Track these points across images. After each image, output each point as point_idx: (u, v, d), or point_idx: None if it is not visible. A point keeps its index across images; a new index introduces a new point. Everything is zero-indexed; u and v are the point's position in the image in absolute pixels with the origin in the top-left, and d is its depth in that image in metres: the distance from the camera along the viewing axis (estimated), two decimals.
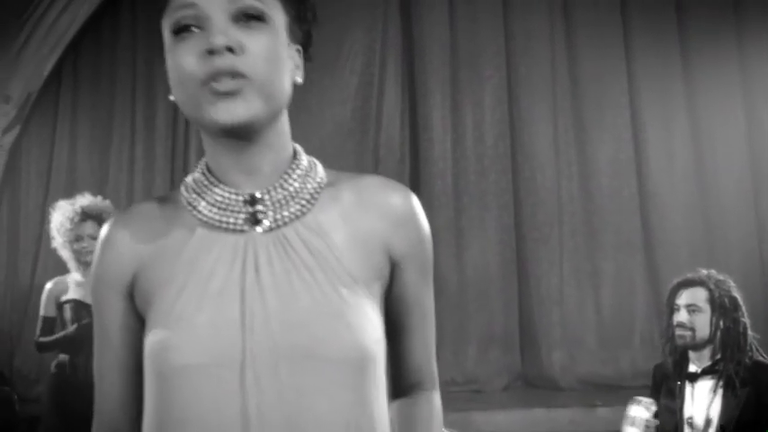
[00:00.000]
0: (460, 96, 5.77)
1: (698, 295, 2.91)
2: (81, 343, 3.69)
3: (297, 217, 1.03)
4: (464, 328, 5.59)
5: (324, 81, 5.69)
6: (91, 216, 3.69)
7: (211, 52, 0.95)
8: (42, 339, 3.72)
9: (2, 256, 5.61)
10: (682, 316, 2.90)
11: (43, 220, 5.57)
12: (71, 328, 3.66)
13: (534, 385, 5.54)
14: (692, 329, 2.87)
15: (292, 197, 1.04)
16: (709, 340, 2.87)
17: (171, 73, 1.00)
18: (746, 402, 2.77)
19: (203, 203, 1.04)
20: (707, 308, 2.89)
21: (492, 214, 5.67)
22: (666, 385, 2.97)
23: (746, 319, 2.91)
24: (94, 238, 3.65)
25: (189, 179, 1.09)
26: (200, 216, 1.04)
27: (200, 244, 1.02)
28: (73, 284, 3.75)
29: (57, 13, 5.37)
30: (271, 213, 1.03)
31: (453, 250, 5.65)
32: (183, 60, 0.97)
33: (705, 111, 5.64)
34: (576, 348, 5.53)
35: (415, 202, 1.09)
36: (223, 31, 0.96)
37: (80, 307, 3.71)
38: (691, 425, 2.83)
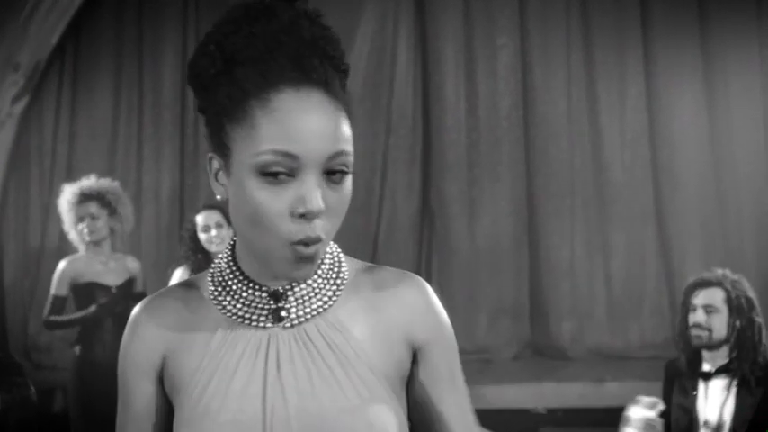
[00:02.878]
0: (474, 65, 5.69)
1: (715, 296, 2.92)
2: (98, 322, 3.73)
3: (318, 313, 1.05)
4: (475, 298, 5.61)
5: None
6: (91, 197, 3.72)
7: (303, 216, 0.95)
8: (53, 318, 3.74)
9: (10, 225, 5.63)
10: (698, 316, 2.91)
11: (51, 188, 5.60)
12: (91, 308, 3.70)
13: (543, 354, 5.59)
14: (709, 330, 2.89)
15: (315, 293, 1.06)
16: (726, 340, 2.89)
17: (245, 206, 0.97)
18: (761, 402, 2.80)
19: (228, 298, 1.06)
20: (724, 308, 2.90)
21: (504, 185, 5.65)
22: (679, 383, 2.99)
23: (761, 319, 2.92)
24: (96, 217, 3.68)
25: (215, 268, 1.09)
26: (224, 312, 1.06)
27: (225, 339, 1.04)
28: (87, 266, 3.79)
29: None
30: (293, 310, 1.04)
31: (465, 220, 5.65)
32: (272, 208, 0.95)
33: (721, 81, 5.55)
34: (586, 319, 5.56)
35: (430, 290, 1.12)
36: (318, 191, 0.95)
37: (98, 288, 3.74)
38: (705, 423, 2.87)
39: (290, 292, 1.05)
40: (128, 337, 1.10)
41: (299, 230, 0.95)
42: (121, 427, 1.12)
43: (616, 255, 5.60)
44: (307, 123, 0.94)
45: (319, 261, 1.04)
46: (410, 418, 1.11)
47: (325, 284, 1.06)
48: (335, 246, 1.12)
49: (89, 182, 3.78)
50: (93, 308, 3.69)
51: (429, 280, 5.63)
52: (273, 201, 0.95)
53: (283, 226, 0.95)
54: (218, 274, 1.09)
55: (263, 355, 1.02)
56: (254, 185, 0.95)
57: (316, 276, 1.06)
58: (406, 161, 5.72)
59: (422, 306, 1.09)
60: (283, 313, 1.04)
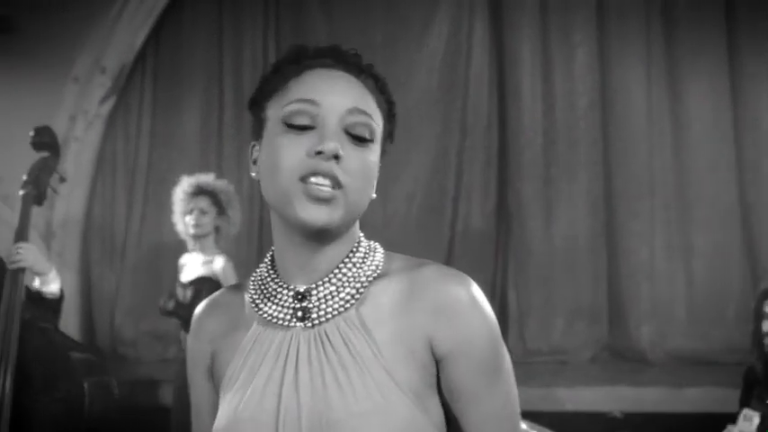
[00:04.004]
0: (550, 64, 5.62)
1: None
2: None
3: (339, 312, 1.05)
4: (551, 300, 5.55)
5: (410, 48, 5.63)
6: (205, 192, 3.80)
7: (319, 153, 0.99)
8: (165, 305, 3.86)
9: (97, 221, 5.82)
10: None
11: (134, 186, 5.78)
12: (188, 297, 3.79)
13: (621, 357, 5.49)
14: None
15: (338, 292, 1.06)
16: None
17: (269, 158, 1.04)
18: None
19: (263, 299, 1.09)
20: None
21: (581, 186, 5.56)
22: (758, 390, 2.91)
23: None
24: (205, 212, 3.76)
25: (258, 271, 1.15)
26: (257, 311, 1.09)
27: (256, 338, 1.09)
28: (188, 260, 3.90)
29: None
30: (315, 309, 1.05)
31: (542, 222, 5.59)
32: (290, 152, 1.01)
33: None
34: (666, 322, 5.43)
35: (472, 292, 1.04)
36: (336, 138, 1.01)
37: (192, 282, 3.82)
38: None
39: (313, 292, 1.06)
40: (189, 337, 1.20)
41: (310, 164, 1.00)
42: (193, 424, 1.21)
43: (698, 256, 5.46)
44: (329, 81, 1.05)
45: (346, 221, 1.04)
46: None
47: (349, 284, 1.06)
48: (375, 244, 1.12)
49: (206, 178, 3.86)
50: (189, 298, 3.81)
51: (505, 281, 5.63)
52: (296, 144, 1.02)
53: (298, 164, 1.00)
54: (259, 276, 1.13)
55: (284, 354, 1.05)
56: (280, 134, 1.04)
57: (341, 275, 1.06)
58: (482, 162, 5.69)
59: (452, 309, 1.03)
60: (307, 313, 1.05)
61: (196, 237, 3.81)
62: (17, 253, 2.83)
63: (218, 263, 3.77)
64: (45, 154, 3.08)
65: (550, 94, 5.60)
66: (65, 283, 5.44)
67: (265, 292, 1.10)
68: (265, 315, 1.08)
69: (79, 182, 5.57)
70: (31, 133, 3.09)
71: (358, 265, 1.07)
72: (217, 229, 3.83)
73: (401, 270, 1.08)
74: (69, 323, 5.43)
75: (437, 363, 1.04)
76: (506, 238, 5.74)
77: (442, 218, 5.67)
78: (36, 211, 5.39)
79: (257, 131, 1.11)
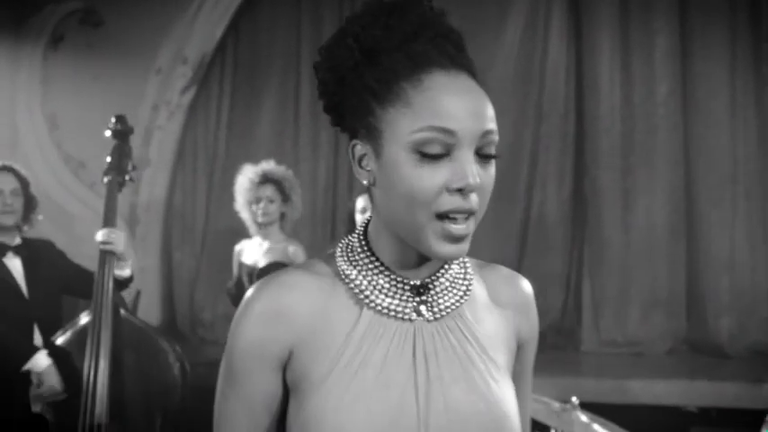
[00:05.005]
0: (629, 51, 5.52)
1: None
2: None
3: (456, 307, 1.08)
4: (627, 290, 5.48)
5: (487, 37, 5.60)
6: (271, 180, 3.86)
7: (460, 191, 0.97)
8: (231, 290, 3.99)
9: (178, 208, 6.00)
10: None
11: (214, 173, 5.93)
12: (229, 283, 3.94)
13: (699, 351, 5.38)
14: None
15: (453, 287, 1.09)
16: None
17: (399, 185, 0.99)
18: None
19: (372, 290, 1.06)
20: None
21: (660, 174, 5.46)
22: None
23: None
24: (272, 201, 3.83)
25: (344, 255, 1.09)
26: (367, 301, 1.06)
27: (369, 329, 1.04)
28: (248, 247, 3.97)
29: None
30: (435, 304, 1.07)
31: (618, 211, 5.52)
32: (426, 185, 0.97)
33: None
34: (746, 315, 5.30)
35: (531, 289, 1.19)
36: (473, 169, 0.97)
37: (251, 270, 3.91)
38: None
39: (431, 286, 1.07)
40: (248, 322, 1.05)
41: (451, 201, 0.97)
42: (231, 414, 1.09)
43: None
44: (461, 101, 0.97)
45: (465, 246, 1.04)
46: None
47: (459, 279, 1.10)
48: None
49: (269, 166, 3.93)
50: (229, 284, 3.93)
51: (579, 270, 5.57)
52: (430, 176, 0.97)
53: (439, 199, 0.97)
54: (352, 259, 1.08)
55: (410, 347, 1.04)
56: (410, 163, 0.97)
57: (452, 270, 1.10)
58: (558, 150, 5.64)
59: (529, 306, 1.17)
60: (426, 307, 1.07)
61: (263, 224, 3.88)
62: (109, 238, 2.95)
63: (293, 248, 3.85)
64: (122, 142, 3.21)
65: (629, 81, 5.51)
66: (148, 267, 5.68)
67: (373, 283, 1.06)
68: (378, 307, 1.05)
69: (161, 169, 5.76)
70: (113, 120, 3.22)
71: (460, 264, 1.12)
72: (282, 216, 3.90)
73: (480, 269, 1.16)
74: (151, 305, 5.64)
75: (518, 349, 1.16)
76: (582, 226, 5.68)
77: (517, 205, 5.64)
78: (122, 197, 5.63)
79: (366, 134, 1.03)
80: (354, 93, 1.03)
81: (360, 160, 1.05)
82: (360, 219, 3.64)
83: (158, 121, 5.66)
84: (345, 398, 1.01)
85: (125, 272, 3.09)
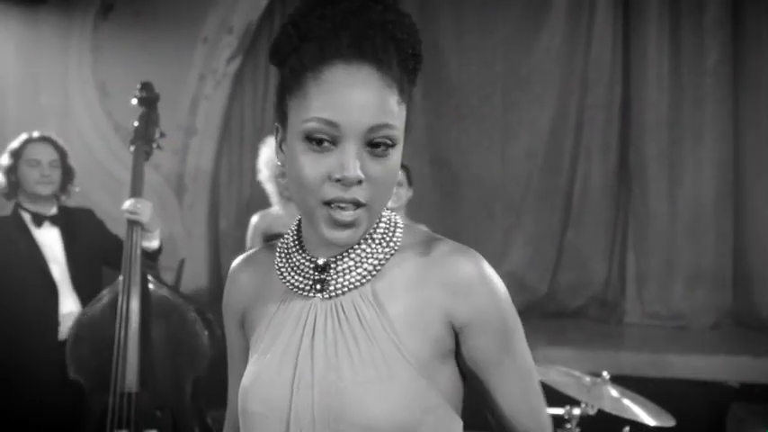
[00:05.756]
0: (678, 18, 5.40)
1: None
2: None
3: (356, 287, 1.10)
4: (672, 263, 5.44)
5: (534, 2, 5.55)
6: None
7: (339, 181, 1.02)
8: None
9: (225, 177, 6.08)
10: None
11: (261, 143, 5.95)
12: None
13: (745, 325, 5.33)
14: None
15: (356, 266, 1.11)
16: None
17: (292, 169, 1.05)
18: None
19: (288, 267, 1.15)
20: None
21: (708, 145, 5.37)
22: None
23: None
24: None
25: (285, 238, 1.20)
26: (282, 279, 1.15)
27: (280, 304, 1.16)
28: (277, 219, 3.94)
29: None
30: (333, 282, 1.11)
31: (665, 183, 5.45)
32: (313, 173, 1.03)
33: None
34: None
35: (484, 267, 1.10)
36: (356, 161, 1.01)
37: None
38: None
39: (333, 265, 1.11)
40: (226, 286, 1.26)
41: (333, 191, 1.02)
42: (229, 367, 1.29)
43: None
44: (350, 95, 1.01)
45: (367, 230, 1.08)
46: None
47: (367, 258, 1.11)
48: (395, 216, 1.16)
49: None
50: None
51: (624, 242, 5.53)
52: (315, 164, 1.02)
53: (321, 188, 1.03)
54: (285, 244, 1.19)
55: (302, 323, 1.11)
56: (300, 150, 1.03)
57: (360, 251, 1.11)
58: (603, 120, 5.57)
59: (468, 285, 1.08)
60: (325, 285, 1.11)
61: (289, 197, 3.87)
62: (135, 208, 2.97)
63: None
64: (149, 109, 3.15)
65: (677, 50, 5.40)
66: (195, 234, 5.79)
67: (290, 261, 1.16)
68: (288, 284, 1.14)
69: (208, 138, 5.83)
70: (138, 86, 3.16)
71: (377, 241, 1.12)
72: None
73: (415, 245, 1.12)
74: (199, 272, 5.76)
75: (456, 335, 1.10)
76: (627, 198, 5.63)
77: (561, 177, 5.61)
78: (169, 166, 5.72)
79: (279, 119, 1.11)
80: (280, 79, 1.10)
81: (280, 144, 1.12)
82: None
83: (205, 91, 5.72)
84: (252, 367, 1.14)
85: (153, 243, 3.08)
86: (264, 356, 1.13)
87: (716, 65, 5.33)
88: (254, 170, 5.98)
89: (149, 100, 3.14)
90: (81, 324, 2.98)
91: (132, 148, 3.10)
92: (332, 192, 1.02)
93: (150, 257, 3.09)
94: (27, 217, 3.17)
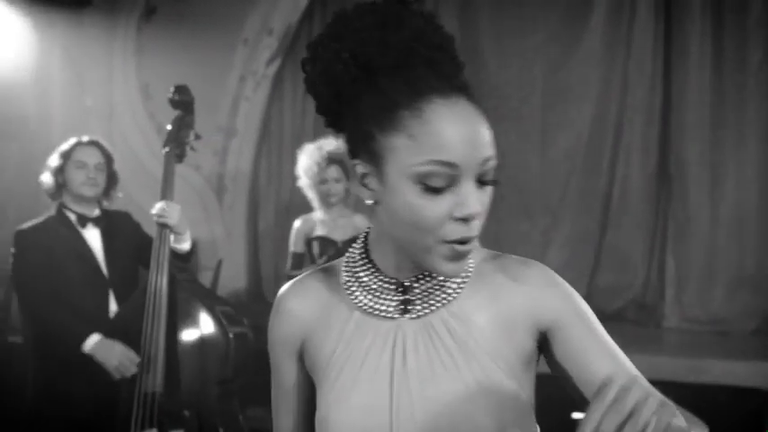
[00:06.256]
0: (721, 17, 5.33)
1: None
2: None
3: (443, 305, 1.11)
4: (712, 267, 5.36)
5: (571, 8, 5.52)
6: (335, 161, 3.90)
7: (463, 219, 1.01)
8: (293, 273, 4.07)
9: (265, 179, 6.14)
10: None
11: (300, 144, 5.97)
12: (320, 261, 3.99)
13: None
14: None
15: (440, 286, 1.11)
16: None
17: (404, 212, 1.02)
18: None
19: (360, 288, 1.13)
20: None
21: (750, 148, 5.29)
22: None
23: None
24: (338, 180, 3.89)
25: (350, 257, 1.17)
26: (355, 301, 1.13)
27: (356, 328, 1.12)
28: (318, 222, 4.00)
29: None
30: (419, 302, 1.11)
31: (706, 186, 5.38)
32: (432, 214, 1.01)
33: None
34: None
35: (549, 271, 1.15)
36: (475, 199, 1.02)
37: (326, 243, 3.99)
38: None
39: (415, 285, 1.11)
40: (273, 317, 1.20)
41: (458, 231, 1.02)
42: (275, 403, 1.24)
43: None
44: (462, 131, 1.00)
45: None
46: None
47: (449, 279, 1.11)
48: None
49: (330, 146, 3.96)
50: (322, 260, 3.96)
51: (663, 246, 5.47)
52: (435, 206, 1.00)
53: (444, 228, 1.01)
54: (352, 263, 1.16)
55: (390, 345, 1.10)
56: (414, 192, 1.01)
57: None
58: (643, 122, 5.52)
59: (542, 288, 1.11)
60: (410, 306, 1.11)
61: (333, 204, 3.93)
62: (164, 211, 3.01)
63: (359, 218, 3.96)
64: (182, 112, 3.15)
65: (719, 50, 5.33)
66: (235, 235, 5.86)
67: (361, 282, 1.13)
68: (365, 306, 1.12)
69: (248, 139, 5.90)
70: (171, 89, 3.16)
71: None
72: (347, 191, 3.96)
73: (487, 262, 1.15)
74: (238, 272, 5.83)
75: (546, 334, 1.11)
76: (666, 202, 5.57)
77: (600, 179, 5.57)
78: (209, 167, 5.80)
79: (368, 157, 1.05)
80: (352, 111, 1.06)
81: (362, 178, 1.07)
82: None
83: (245, 92, 5.79)
84: (331, 395, 1.10)
85: (184, 245, 3.12)
86: (345, 382, 1.10)
87: (759, 65, 5.25)
88: (292, 172, 6.07)
89: (183, 103, 3.15)
90: (114, 323, 3.07)
91: (164, 151, 3.14)
92: (456, 231, 1.02)
93: (182, 259, 3.14)
94: (73, 217, 3.25)
